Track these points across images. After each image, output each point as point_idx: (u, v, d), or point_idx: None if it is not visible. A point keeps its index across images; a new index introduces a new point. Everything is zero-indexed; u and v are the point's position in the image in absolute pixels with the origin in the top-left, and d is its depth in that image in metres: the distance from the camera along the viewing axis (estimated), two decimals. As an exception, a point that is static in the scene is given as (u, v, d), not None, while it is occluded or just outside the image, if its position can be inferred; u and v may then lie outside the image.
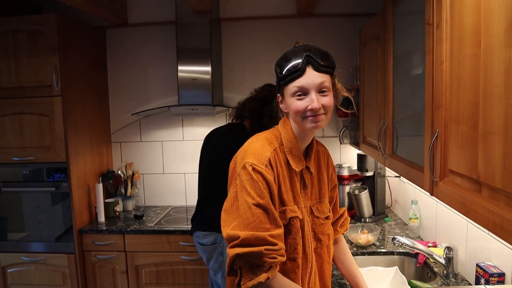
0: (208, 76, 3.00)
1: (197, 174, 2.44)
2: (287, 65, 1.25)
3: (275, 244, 1.18)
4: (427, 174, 1.38)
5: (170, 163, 3.45)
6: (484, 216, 0.99)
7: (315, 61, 1.23)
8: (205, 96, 3.01)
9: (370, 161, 2.88)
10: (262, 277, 1.16)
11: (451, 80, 1.19)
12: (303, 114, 1.25)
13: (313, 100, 1.22)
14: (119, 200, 3.28)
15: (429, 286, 1.82)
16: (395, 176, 3.02)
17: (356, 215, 2.93)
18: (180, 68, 3.01)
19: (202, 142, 2.43)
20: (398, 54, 1.80)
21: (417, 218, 2.55)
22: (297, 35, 3.18)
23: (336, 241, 1.60)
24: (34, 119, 2.82)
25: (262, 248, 1.16)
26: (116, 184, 3.31)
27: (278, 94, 1.34)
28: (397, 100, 1.85)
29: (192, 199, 3.46)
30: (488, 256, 1.74)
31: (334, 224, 1.56)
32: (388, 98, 1.91)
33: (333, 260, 1.60)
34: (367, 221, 2.87)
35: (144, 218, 3.14)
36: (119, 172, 3.33)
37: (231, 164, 1.36)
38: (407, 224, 2.76)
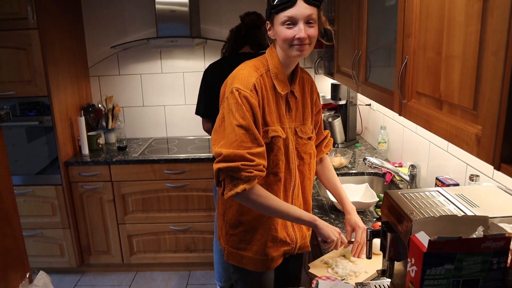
0: (186, 8, 3.01)
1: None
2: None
3: (252, 161, 1.35)
4: (396, 97, 1.56)
5: (150, 96, 3.52)
6: (444, 129, 1.18)
7: None
8: (183, 28, 3.04)
9: (343, 91, 3.06)
10: (240, 188, 1.35)
11: (421, 10, 1.32)
12: (290, 42, 1.38)
13: (301, 30, 1.35)
14: (101, 133, 3.38)
15: (394, 198, 2.08)
16: (366, 105, 3.23)
17: (329, 142, 3.15)
18: (157, 0, 3.00)
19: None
20: (373, -14, 1.91)
21: (385, 142, 2.79)
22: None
23: (321, 160, 1.80)
24: (11, 53, 2.81)
25: (239, 163, 1.33)
26: (97, 117, 3.39)
27: (268, 22, 1.45)
28: (370, 31, 1.98)
29: (172, 130, 3.59)
30: (446, 171, 1.98)
31: (319, 145, 1.75)
32: (363, 29, 2.04)
33: (318, 176, 1.80)
34: (340, 146, 3.10)
35: (127, 149, 3.27)
36: (100, 105, 3.39)
37: (222, 89, 1.49)
38: (375, 149, 3.01)
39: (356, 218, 1.64)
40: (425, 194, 1.25)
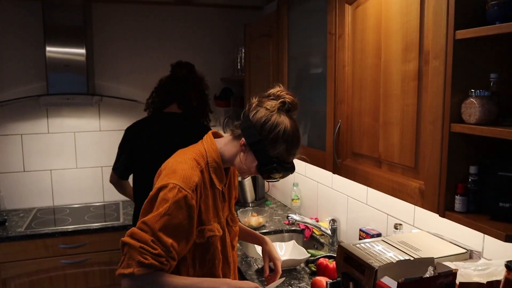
0: (83, 58, 3.05)
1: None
2: (289, 162, 1.48)
3: (155, 249, 1.39)
4: (330, 156, 1.88)
5: (33, 159, 3.39)
6: (385, 185, 1.51)
7: None
8: (80, 84, 3.06)
9: (252, 149, 3.36)
10: (128, 270, 1.35)
11: (353, 81, 1.69)
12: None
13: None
14: (-29, 206, 3.13)
15: (322, 253, 2.37)
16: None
17: (239, 201, 3.39)
18: (49, 49, 3.00)
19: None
20: (293, 54, 2.27)
21: (299, 198, 3.13)
22: (175, 23, 3.45)
23: None
24: None
25: (139, 244, 1.38)
26: (-34, 187, 3.14)
27: (245, 139, 1.46)
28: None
29: (60, 198, 3.47)
30: (366, 221, 2.35)
31: None
32: (283, 91, 2.38)
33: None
34: (251, 205, 3.35)
35: (6, 223, 3.08)
36: (-31, 173, 3.16)
37: (156, 176, 1.52)
38: (286, 206, 3.34)
39: (273, 249, 1.83)
40: (371, 245, 1.54)
